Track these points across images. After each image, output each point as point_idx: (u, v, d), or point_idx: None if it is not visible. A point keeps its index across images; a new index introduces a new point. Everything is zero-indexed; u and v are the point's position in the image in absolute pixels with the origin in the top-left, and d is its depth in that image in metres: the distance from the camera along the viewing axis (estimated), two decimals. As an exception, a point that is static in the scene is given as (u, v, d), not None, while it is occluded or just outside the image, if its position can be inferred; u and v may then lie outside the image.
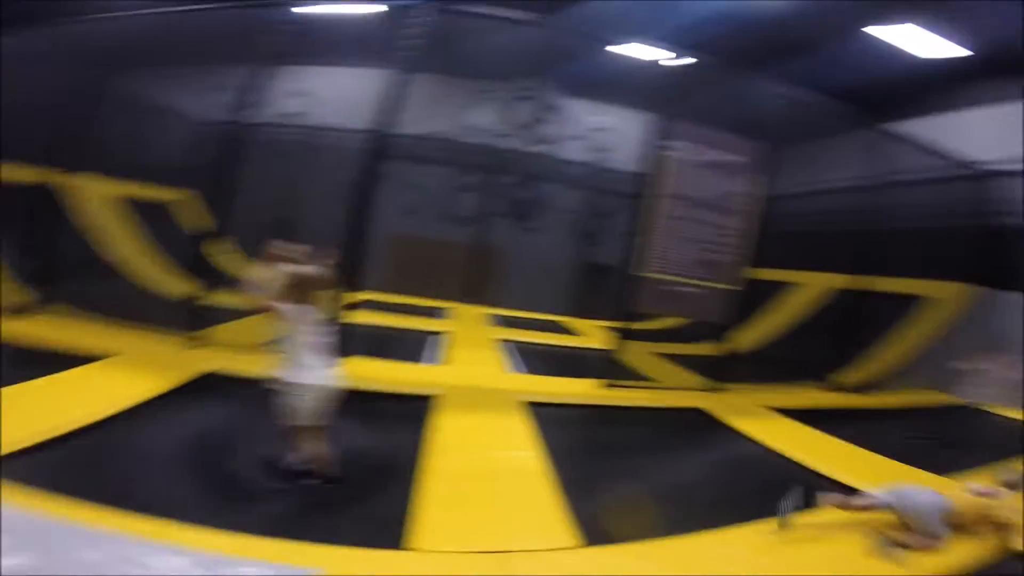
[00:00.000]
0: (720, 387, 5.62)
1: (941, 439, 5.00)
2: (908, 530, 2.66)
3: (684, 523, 2.70)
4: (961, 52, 7.40)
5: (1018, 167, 7.30)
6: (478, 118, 10.24)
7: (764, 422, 4.81)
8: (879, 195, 6.98)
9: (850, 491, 3.03)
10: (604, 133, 10.41)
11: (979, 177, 7.60)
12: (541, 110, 10.49)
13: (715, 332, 5.70)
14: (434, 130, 9.59)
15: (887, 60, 7.86)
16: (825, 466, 3.79)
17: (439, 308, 9.11)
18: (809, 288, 6.97)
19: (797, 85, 6.14)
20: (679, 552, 2.49)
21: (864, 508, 2.80)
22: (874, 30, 7.10)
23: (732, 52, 6.22)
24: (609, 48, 5.66)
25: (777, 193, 8.79)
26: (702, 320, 5.79)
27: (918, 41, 7.31)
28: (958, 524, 2.72)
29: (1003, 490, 2.93)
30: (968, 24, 6.74)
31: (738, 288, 5.51)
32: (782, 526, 2.64)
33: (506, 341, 7.08)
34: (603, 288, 9.48)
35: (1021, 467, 3.05)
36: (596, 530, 2.53)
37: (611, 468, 3.61)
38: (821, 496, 2.83)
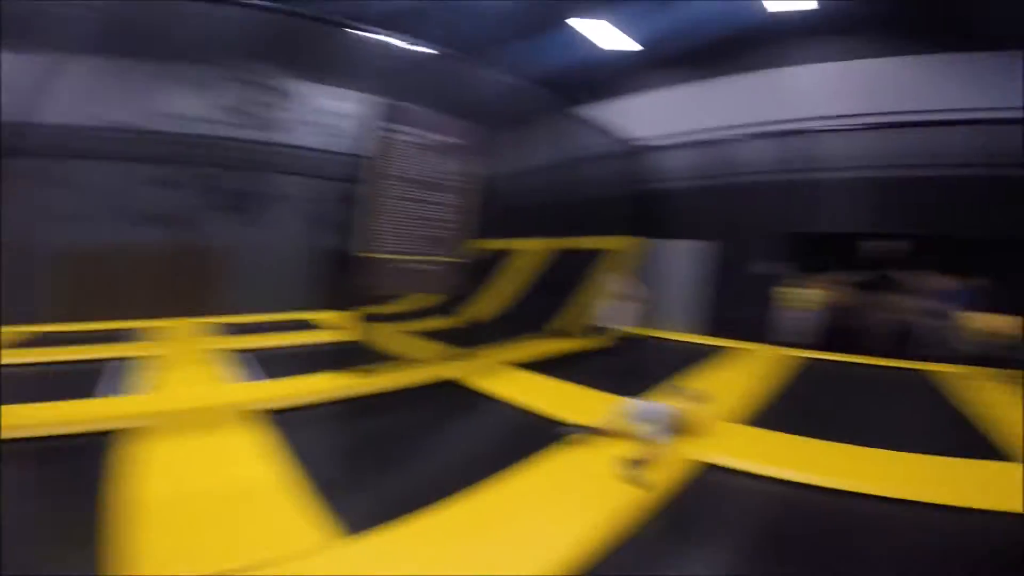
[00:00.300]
0: (467, 354, 5.99)
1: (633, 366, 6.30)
2: (643, 445, 3.23)
3: (447, 491, 2.78)
4: (633, 46, 9.23)
5: (667, 143, 9.69)
6: (183, 105, 8.59)
7: (507, 379, 5.31)
8: (571, 170, 8.41)
9: (589, 429, 3.57)
10: (331, 117, 9.83)
11: (642, 152, 9.85)
12: (261, 95, 9.34)
13: (455, 304, 6.05)
14: (113, 119, 7.83)
15: (579, 51, 9.47)
16: (562, 409, 4.32)
17: (138, 329, 7.41)
18: (529, 253, 7.96)
19: (510, 73, 6.83)
20: (442, 524, 2.54)
21: (608, 434, 3.33)
22: (574, 23, 8.37)
23: (455, 40, 6.60)
24: (338, 32, 5.34)
25: (497, 172, 9.82)
26: (438, 294, 6.09)
27: (604, 35, 8.92)
28: (677, 428, 3.42)
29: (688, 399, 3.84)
30: (640, 21, 8.39)
31: (465, 260, 5.91)
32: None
33: (238, 351, 6.18)
34: (341, 276, 9.10)
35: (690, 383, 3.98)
36: (357, 522, 2.44)
37: (368, 457, 3.50)
38: (568, 432, 3.23)
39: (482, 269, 6.84)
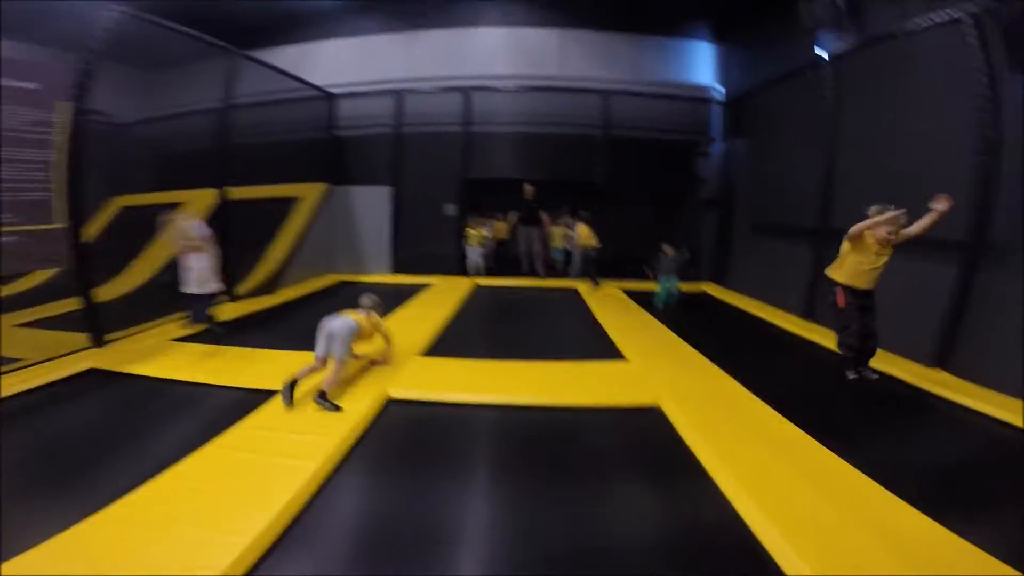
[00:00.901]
0: (109, 337, 4.90)
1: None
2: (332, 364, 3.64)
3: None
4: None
5: (356, 90, 9.33)
6: None
7: (168, 356, 4.61)
8: (251, 115, 7.39)
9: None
10: None
11: (329, 98, 9.32)
12: None
13: (81, 281, 4.74)
14: None
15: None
16: (233, 378, 4.08)
17: None
18: (193, 205, 6.75)
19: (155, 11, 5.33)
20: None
21: (311, 370, 3.65)
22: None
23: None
24: None
25: (143, 117, 7.97)
26: (35, 269, 4.67)
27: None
28: (360, 336, 3.87)
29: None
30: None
31: (68, 225, 4.62)
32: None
33: None
34: None
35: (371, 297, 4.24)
36: None
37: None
38: (287, 386, 3.43)
39: (121, 231, 5.48)
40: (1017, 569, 1.96)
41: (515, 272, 9.50)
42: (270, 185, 7.85)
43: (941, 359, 4.55)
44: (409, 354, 4.71)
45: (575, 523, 2.43)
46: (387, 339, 4.36)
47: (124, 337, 5.07)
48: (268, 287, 7.54)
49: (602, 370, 4.50)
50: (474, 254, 9.37)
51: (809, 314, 6.38)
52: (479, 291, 8.36)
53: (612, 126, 9.26)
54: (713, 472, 2.80)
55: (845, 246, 4.13)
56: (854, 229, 3.98)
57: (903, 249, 4.08)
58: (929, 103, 4.92)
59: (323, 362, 3.69)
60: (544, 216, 9.31)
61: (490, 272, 9.49)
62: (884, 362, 4.64)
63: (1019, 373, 3.75)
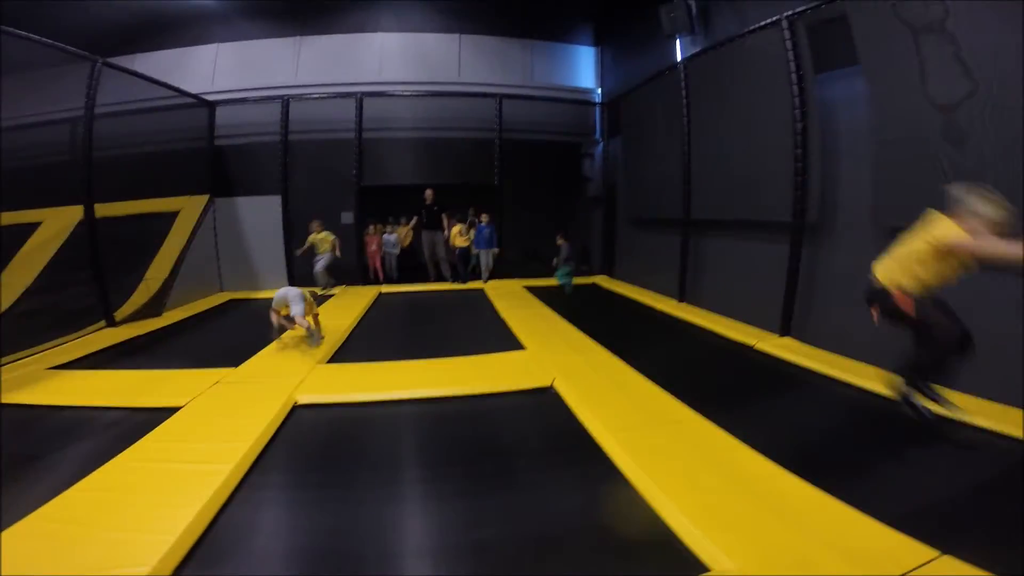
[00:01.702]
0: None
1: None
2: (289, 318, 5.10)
3: None
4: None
5: (236, 96, 8.89)
6: None
7: (50, 383, 4.28)
8: (118, 123, 6.82)
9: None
10: None
11: (208, 105, 8.79)
12: None
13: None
14: None
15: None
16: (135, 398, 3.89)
17: None
18: (52, 225, 6.14)
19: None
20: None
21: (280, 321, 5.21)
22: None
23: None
24: None
25: None
26: None
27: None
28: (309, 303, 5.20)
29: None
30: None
31: None
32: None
33: None
34: None
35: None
36: None
37: None
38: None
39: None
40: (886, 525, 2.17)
41: (421, 276, 9.66)
42: (144, 200, 7.30)
43: (784, 328, 5.43)
44: (313, 363, 4.75)
45: (478, 503, 2.68)
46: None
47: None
48: (152, 309, 7.05)
49: (503, 360, 4.85)
50: (319, 264, 8.74)
51: (682, 297, 7.23)
52: (383, 298, 8.40)
53: (506, 129, 9.65)
54: (600, 441, 3.19)
55: (921, 248, 2.96)
56: (964, 242, 2.75)
57: (738, 230, 4.72)
58: (761, 101, 5.66)
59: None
60: (445, 220, 9.48)
61: (393, 280, 9.55)
62: (742, 333, 5.46)
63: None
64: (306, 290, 5.41)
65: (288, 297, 5.19)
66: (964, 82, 3.72)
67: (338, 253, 8.74)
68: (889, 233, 4.44)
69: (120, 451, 2.97)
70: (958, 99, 3.78)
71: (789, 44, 5.13)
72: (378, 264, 9.65)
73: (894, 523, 2.16)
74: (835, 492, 2.43)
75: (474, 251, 9.46)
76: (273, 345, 5.29)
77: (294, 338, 5.37)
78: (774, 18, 5.25)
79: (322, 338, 5.37)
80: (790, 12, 5.08)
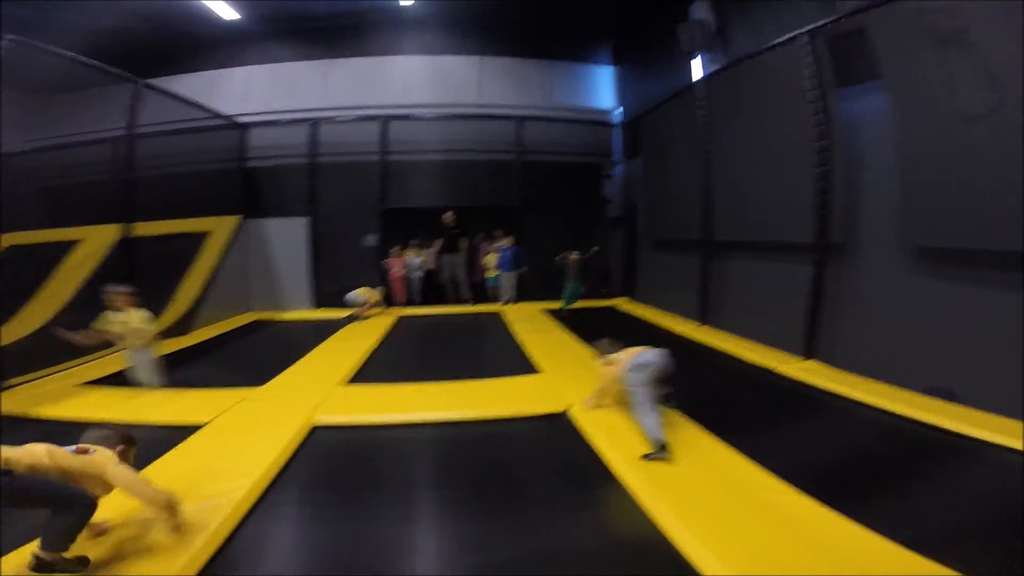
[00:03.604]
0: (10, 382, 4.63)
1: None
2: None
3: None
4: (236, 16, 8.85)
5: (269, 118, 9.24)
6: None
7: (79, 399, 4.44)
8: (156, 145, 7.13)
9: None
10: None
11: (241, 127, 9.11)
12: None
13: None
14: None
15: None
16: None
17: None
18: (91, 243, 6.42)
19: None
20: None
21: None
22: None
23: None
24: None
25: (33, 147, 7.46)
26: None
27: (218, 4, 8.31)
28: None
29: None
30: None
31: None
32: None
33: None
34: None
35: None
36: None
37: None
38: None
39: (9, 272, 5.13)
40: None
41: (445, 299, 9.72)
42: (178, 219, 7.57)
43: (808, 350, 5.30)
44: (333, 384, 4.81)
45: (495, 525, 2.67)
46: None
47: (26, 382, 4.81)
48: (181, 328, 7.27)
49: (519, 384, 4.85)
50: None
51: (703, 319, 7.12)
52: (403, 321, 8.47)
53: (526, 151, 9.77)
54: (614, 468, 3.14)
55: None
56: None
57: (760, 251, 4.66)
58: (782, 119, 5.61)
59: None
60: (464, 243, 9.56)
61: (424, 300, 9.63)
62: (764, 356, 5.35)
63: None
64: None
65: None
66: (990, 94, 3.64)
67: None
68: (915, 253, 4.42)
69: (143, 468, 3.05)
70: (984, 111, 3.70)
71: (809, 60, 5.10)
72: (399, 288, 9.51)
73: (912, 545, 2.14)
74: (855, 515, 2.39)
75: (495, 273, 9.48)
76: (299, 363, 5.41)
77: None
78: (793, 33, 5.23)
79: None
80: (810, 27, 5.06)
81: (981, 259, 3.95)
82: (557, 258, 8.35)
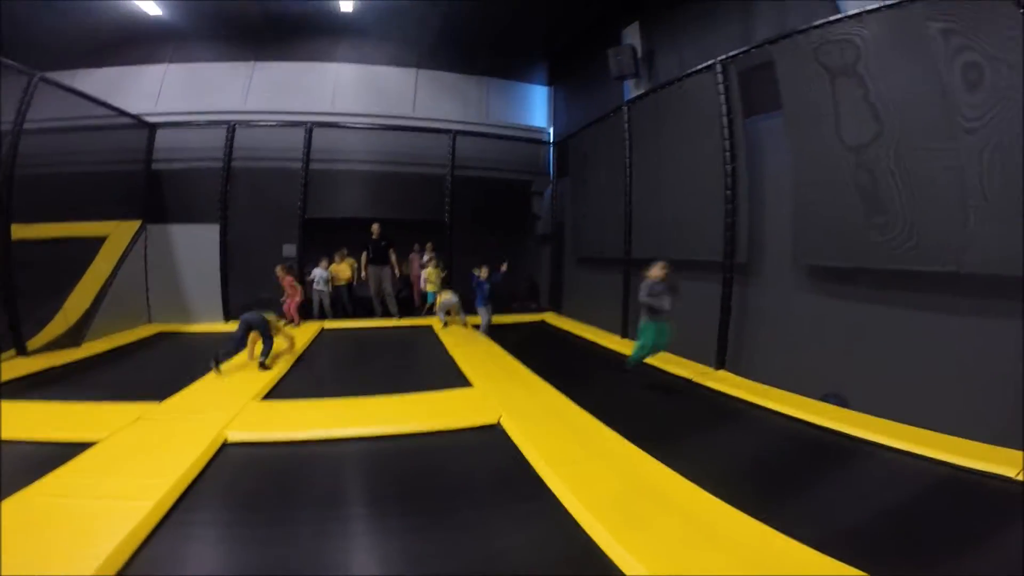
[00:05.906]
0: None
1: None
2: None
3: None
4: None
5: (178, 119, 8.59)
6: None
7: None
8: (47, 140, 6.45)
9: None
10: None
11: (147, 127, 8.44)
12: None
13: None
14: None
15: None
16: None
17: None
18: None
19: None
20: None
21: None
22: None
23: None
24: None
25: None
26: None
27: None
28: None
29: None
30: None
31: None
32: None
33: None
34: None
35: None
36: None
37: None
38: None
39: None
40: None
41: (370, 312, 9.37)
42: (67, 223, 6.84)
43: (720, 362, 5.67)
44: (247, 399, 4.52)
45: (423, 538, 2.61)
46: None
47: None
48: (70, 339, 6.54)
49: (450, 397, 4.79)
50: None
51: (624, 333, 7.43)
52: (325, 334, 8.12)
53: (459, 165, 9.75)
54: (544, 476, 3.19)
55: None
56: None
57: (677, 269, 5.02)
58: (696, 144, 6.00)
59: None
60: (392, 255, 9.31)
61: (344, 313, 9.22)
62: (681, 367, 5.66)
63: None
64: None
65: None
66: (872, 124, 4.11)
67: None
68: (807, 272, 4.91)
69: (25, 486, 2.71)
70: (867, 141, 4.18)
71: (721, 88, 5.54)
72: (293, 307, 8.42)
73: (815, 544, 2.32)
74: (761, 515, 2.58)
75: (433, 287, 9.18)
76: (205, 378, 5.04)
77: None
78: (709, 62, 5.67)
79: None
80: (722, 57, 5.51)
81: (859, 277, 4.47)
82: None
